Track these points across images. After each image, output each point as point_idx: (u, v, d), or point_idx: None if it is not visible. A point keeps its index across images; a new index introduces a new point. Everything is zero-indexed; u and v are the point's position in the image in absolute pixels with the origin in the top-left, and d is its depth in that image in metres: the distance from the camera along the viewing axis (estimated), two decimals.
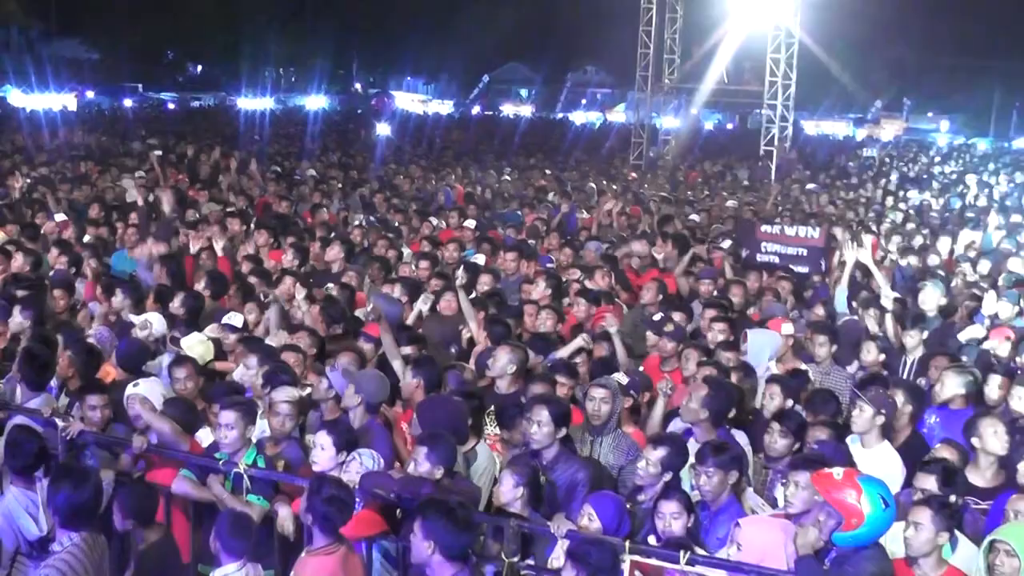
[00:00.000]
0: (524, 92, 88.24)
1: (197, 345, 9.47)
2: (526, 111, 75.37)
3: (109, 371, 9.11)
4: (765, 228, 15.39)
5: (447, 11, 76.84)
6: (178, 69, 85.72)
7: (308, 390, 8.50)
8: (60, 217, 15.25)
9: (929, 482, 6.94)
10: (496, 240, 15.77)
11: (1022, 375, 9.52)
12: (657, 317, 11.12)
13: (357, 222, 17.35)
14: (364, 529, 6.63)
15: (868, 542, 5.98)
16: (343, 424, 7.63)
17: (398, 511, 6.76)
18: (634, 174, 32.76)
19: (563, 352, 9.95)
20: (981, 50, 72.58)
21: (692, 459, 7.32)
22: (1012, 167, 40.69)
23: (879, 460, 7.78)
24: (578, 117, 71.43)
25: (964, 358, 10.59)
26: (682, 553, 6.15)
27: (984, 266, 15.90)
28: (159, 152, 24.63)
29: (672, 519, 6.56)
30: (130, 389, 8.00)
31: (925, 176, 36.22)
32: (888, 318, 11.67)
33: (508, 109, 76.61)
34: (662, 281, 12.90)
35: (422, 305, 10.99)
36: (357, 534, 6.56)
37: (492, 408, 8.65)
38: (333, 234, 15.01)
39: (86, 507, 6.10)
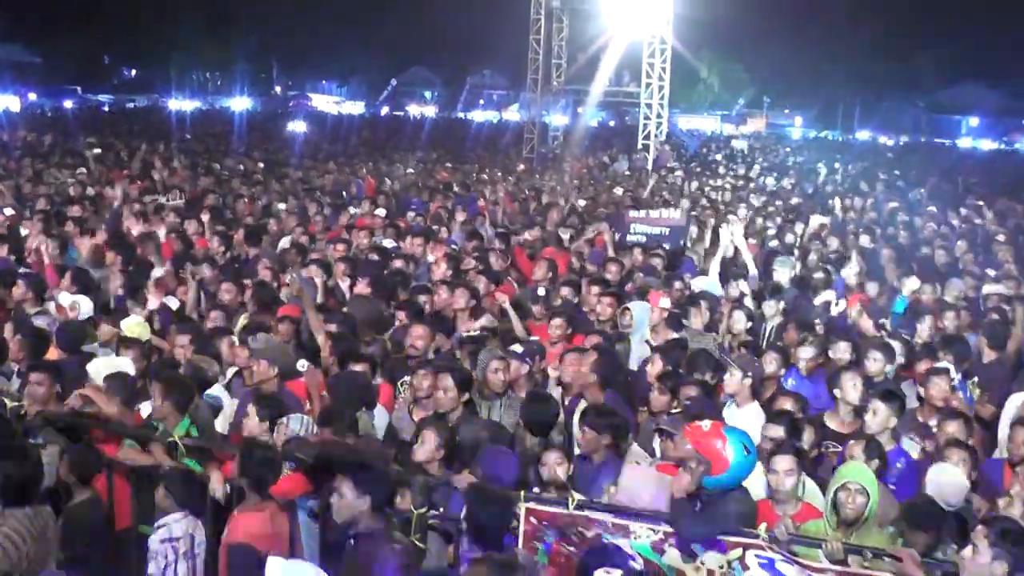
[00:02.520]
0: (428, 94, 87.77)
1: (135, 326, 9.32)
2: (430, 111, 74.91)
3: (52, 353, 8.92)
4: (633, 213, 15.59)
5: (358, 21, 76.29)
6: (114, 73, 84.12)
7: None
8: (9, 211, 14.87)
9: (777, 431, 7.12)
10: (403, 227, 15.74)
11: (875, 341, 9.81)
12: (541, 292, 11.26)
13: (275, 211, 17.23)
14: (292, 490, 6.60)
15: (734, 485, 6.08)
16: (269, 396, 7.56)
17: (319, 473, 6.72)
18: (522, 165, 32.89)
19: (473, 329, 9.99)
20: (829, 54, 73.92)
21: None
22: (856, 158, 41.69)
23: (750, 417, 7.92)
24: (477, 116, 71.22)
25: (818, 322, 10.84)
26: (570, 499, 6.22)
27: (833, 242, 16.23)
28: (98, 150, 24.15)
29: (555, 465, 6.63)
30: (90, 367, 7.90)
31: (786, 166, 36.83)
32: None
33: (414, 109, 76.00)
34: (552, 260, 12.99)
35: None
36: (287, 495, 6.52)
37: (405, 378, 8.66)
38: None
39: (27, 483, 5.94)
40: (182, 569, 6.25)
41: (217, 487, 6.80)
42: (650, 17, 33.27)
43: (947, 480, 6.55)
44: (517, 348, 8.96)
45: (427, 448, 6.78)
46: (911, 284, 12.23)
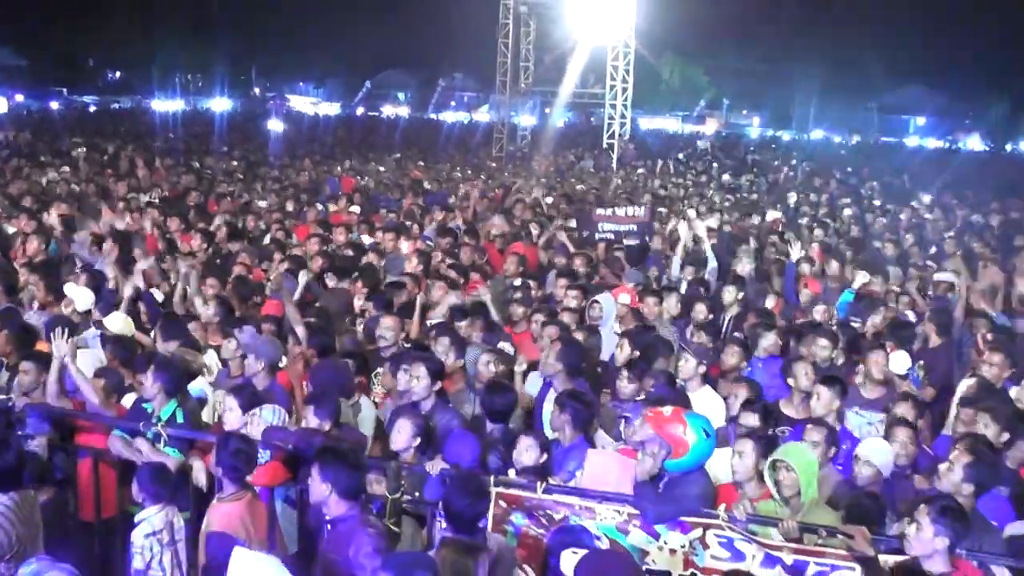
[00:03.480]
0: (401, 95, 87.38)
1: (118, 322, 9.23)
2: (403, 112, 74.69)
3: (43, 347, 8.82)
4: (600, 211, 15.62)
5: (333, 25, 76.15)
6: (99, 75, 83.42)
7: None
8: None
9: (752, 419, 7.20)
10: (377, 223, 15.69)
11: (821, 328, 9.87)
12: (517, 282, 11.27)
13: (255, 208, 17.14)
14: (271, 479, 6.56)
15: (694, 467, 6.11)
16: (247, 388, 7.51)
17: (298, 461, 6.68)
18: (492, 164, 32.93)
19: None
20: (784, 57, 74.36)
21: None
22: (811, 156, 42.00)
23: (702, 401, 8.01)
24: (448, 117, 71.02)
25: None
26: (539, 483, 6.22)
27: (791, 235, 16.33)
28: (84, 149, 23.98)
29: (525, 450, 6.63)
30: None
31: (750, 163, 36.98)
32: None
33: (388, 110, 75.74)
34: (521, 255, 12.98)
35: None
36: (265, 483, 6.48)
37: (379, 370, 8.62)
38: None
39: (10, 470, 5.87)
40: (166, 559, 6.22)
41: (199, 475, 6.75)
42: (614, 23, 33.30)
43: (874, 452, 6.69)
44: (507, 347, 8.97)
45: (402, 437, 6.77)
46: (861, 278, 12.34)
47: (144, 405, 7.37)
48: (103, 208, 15.44)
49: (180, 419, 7.22)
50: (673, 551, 5.99)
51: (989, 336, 9.80)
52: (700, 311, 10.73)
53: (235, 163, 26.17)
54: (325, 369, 7.99)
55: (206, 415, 7.99)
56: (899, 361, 9.10)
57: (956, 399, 8.59)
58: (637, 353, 8.69)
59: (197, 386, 8.16)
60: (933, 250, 16.33)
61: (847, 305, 11.73)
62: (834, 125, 72.33)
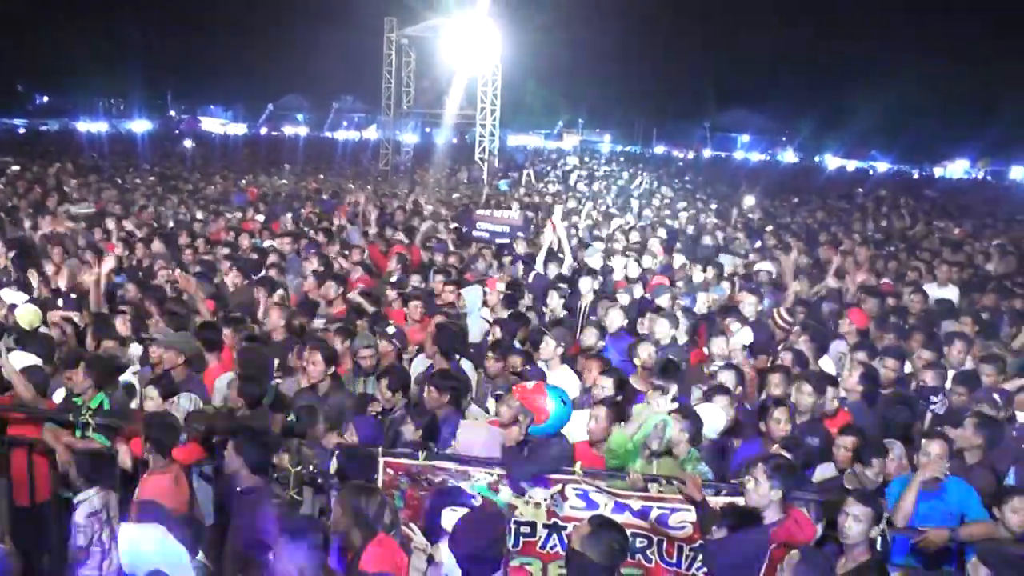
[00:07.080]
0: (300, 116, 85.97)
1: (28, 313, 8.87)
2: (303, 131, 73.59)
3: None
4: (479, 212, 15.70)
5: (240, 55, 74.74)
6: (28, 99, 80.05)
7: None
8: None
9: (608, 383, 7.26)
10: (277, 229, 15.45)
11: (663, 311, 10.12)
12: (394, 279, 11.30)
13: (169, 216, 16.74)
14: (189, 456, 6.45)
15: (554, 431, 6.21)
16: (166, 378, 7.34)
17: (214, 440, 6.58)
18: (380, 178, 32.80)
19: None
20: (631, 83, 75.73)
21: None
22: (653, 168, 42.81)
23: (561, 378, 8.05)
24: (341, 135, 70.19)
25: (625, 297, 11.09)
26: (421, 452, 6.26)
27: (635, 236, 16.64)
28: (16, 168, 23.10)
29: (406, 429, 6.64)
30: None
31: (597, 175, 37.42)
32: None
33: (288, 130, 74.65)
34: (402, 254, 12.97)
35: None
36: (184, 460, 6.37)
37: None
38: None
39: None
40: (105, 535, 6.11)
41: (126, 460, 6.61)
42: (483, 54, 33.36)
43: (708, 417, 6.83)
44: (391, 330, 8.95)
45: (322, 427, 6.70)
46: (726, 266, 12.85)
47: (74, 399, 7.15)
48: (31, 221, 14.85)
49: (107, 407, 7.03)
50: (538, 504, 6.10)
51: (787, 307, 10.22)
52: (553, 299, 10.79)
53: (152, 178, 25.48)
54: (252, 353, 7.83)
55: (134, 404, 7.76)
56: (743, 335, 9.33)
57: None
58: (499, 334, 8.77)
59: (124, 378, 7.92)
60: (758, 244, 16.85)
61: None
62: (673, 141, 74.07)
